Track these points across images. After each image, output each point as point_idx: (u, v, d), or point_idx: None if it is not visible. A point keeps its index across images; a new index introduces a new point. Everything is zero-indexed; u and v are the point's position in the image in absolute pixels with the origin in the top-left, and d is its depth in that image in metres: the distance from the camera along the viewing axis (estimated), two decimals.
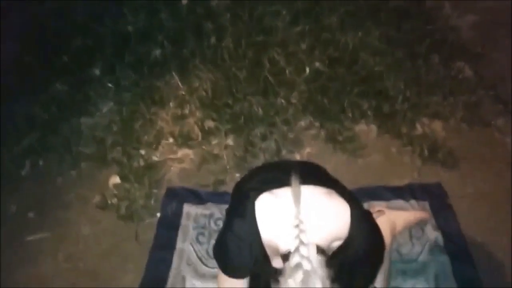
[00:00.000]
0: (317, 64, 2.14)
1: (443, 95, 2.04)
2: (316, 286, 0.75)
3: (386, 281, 1.31)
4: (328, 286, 0.77)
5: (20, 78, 2.23)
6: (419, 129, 1.93)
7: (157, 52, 2.29)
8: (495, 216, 1.59)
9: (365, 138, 1.90)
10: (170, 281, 1.44)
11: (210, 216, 1.63)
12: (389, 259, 1.39)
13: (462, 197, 1.66)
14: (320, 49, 2.21)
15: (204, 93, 2.08)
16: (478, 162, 1.79)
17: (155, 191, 1.75)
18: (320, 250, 0.86)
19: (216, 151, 1.88)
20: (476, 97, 2.02)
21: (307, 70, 2.11)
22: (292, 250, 0.83)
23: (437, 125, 1.95)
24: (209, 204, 1.67)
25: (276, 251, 0.91)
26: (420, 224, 1.54)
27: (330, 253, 0.92)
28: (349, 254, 0.93)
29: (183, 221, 1.63)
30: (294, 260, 0.80)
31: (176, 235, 1.57)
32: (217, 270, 1.02)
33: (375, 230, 1.02)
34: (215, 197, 1.70)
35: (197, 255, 1.51)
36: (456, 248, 1.48)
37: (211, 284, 1.41)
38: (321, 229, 0.90)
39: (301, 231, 0.85)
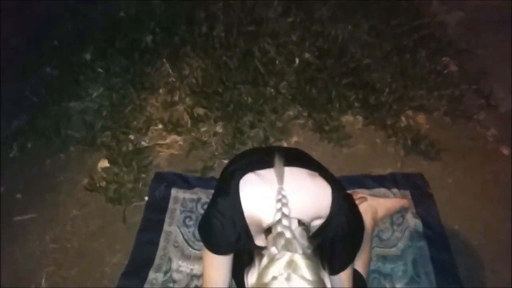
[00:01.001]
0: (306, 55, 2.17)
1: (428, 89, 2.09)
2: (297, 252, 0.78)
3: (366, 265, 1.36)
4: (309, 253, 0.81)
5: (10, 61, 2.22)
6: (403, 121, 1.98)
7: (148, 38, 2.30)
8: (473, 205, 1.66)
9: (351, 129, 1.95)
10: (156, 262, 1.47)
11: (198, 200, 1.66)
12: (370, 244, 1.44)
13: (443, 187, 1.72)
14: (310, 40, 2.25)
15: (194, 81, 2.10)
16: (459, 154, 1.85)
17: (143, 175, 1.77)
18: (302, 224, 0.90)
19: (205, 138, 1.91)
20: (460, 91, 2.08)
21: (297, 60, 2.14)
22: (274, 222, 0.86)
23: (421, 118, 2.00)
24: (197, 189, 1.70)
25: (260, 227, 0.94)
26: (401, 212, 1.59)
27: (311, 232, 0.95)
28: (329, 233, 0.97)
29: (171, 204, 1.65)
30: (276, 230, 0.84)
31: (163, 218, 1.60)
32: (202, 248, 1.05)
33: (355, 211, 1.05)
34: (203, 182, 1.72)
35: (183, 237, 1.54)
36: (434, 234, 1.53)
37: (196, 266, 1.45)
38: (303, 205, 0.93)
39: (283, 204, 0.88)
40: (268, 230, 0.90)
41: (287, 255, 0.78)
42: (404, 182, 1.71)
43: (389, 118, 1.97)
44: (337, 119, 1.97)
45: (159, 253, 1.49)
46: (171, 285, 1.41)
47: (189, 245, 1.52)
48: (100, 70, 2.17)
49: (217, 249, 1.02)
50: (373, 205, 1.52)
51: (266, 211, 0.91)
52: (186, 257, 1.48)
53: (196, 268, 1.44)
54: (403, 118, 1.99)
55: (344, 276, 1.04)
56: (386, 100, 2.02)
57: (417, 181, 1.72)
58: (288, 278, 0.76)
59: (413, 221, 1.56)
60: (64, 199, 1.71)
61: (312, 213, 0.95)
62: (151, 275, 1.43)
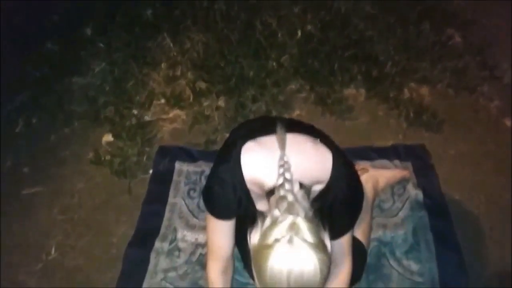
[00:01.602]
0: (309, 27, 2.16)
1: (432, 61, 2.08)
2: (299, 216, 0.80)
3: (367, 234, 1.38)
4: (310, 216, 0.82)
5: (10, 36, 2.21)
6: (406, 93, 1.98)
7: (149, 12, 2.28)
8: (474, 176, 1.67)
9: (353, 101, 1.95)
10: (162, 232, 1.50)
11: (201, 173, 1.68)
12: (370, 214, 1.47)
13: (444, 158, 1.73)
14: (312, 12, 2.22)
15: (195, 55, 2.10)
16: (462, 126, 1.85)
17: (147, 149, 1.79)
18: (303, 187, 0.92)
19: (207, 112, 1.92)
20: (464, 63, 2.06)
21: (299, 33, 2.13)
22: (277, 186, 0.88)
23: (424, 90, 2.00)
24: (201, 162, 1.72)
25: (261, 190, 0.96)
26: (402, 182, 1.61)
27: (311, 197, 0.97)
28: (329, 198, 0.98)
29: (175, 177, 1.68)
30: (278, 193, 0.86)
31: (168, 190, 1.63)
32: (205, 213, 1.07)
33: (355, 177, 1.07)
34: (206, 155, 1.74)
35: (188, 208, 1.57)
36: (435, 204, 1.55)
37: (201, 235, 1.48)
38: (304, 169, 0.94)
39: (286, 169, 0.89)
40: (269, 193, 0.91)
41: (290, 218, 0.80)
42: (406, 153, 1.72)
43: (391, 91, 1.97)
44: (339, 92, 1.96)
45: (164, 223, 1.53)
46: (176, 253, 1.45)
47: (193, 215, 1.55)
48: (101, 45, 2.17)
49: (219, 214, 1.04)
50: (374, 176, 1.53)
51: (267, 174, 0.93)
52: (191, 227, 1.52)
53: (201, 237, 1.48)
54: (405, 91, 1.98)
55: (344, 241, 1.07)
56: (389, 72, 2.01)
57: (418, 153, 1.73)
58: (290, 241, 0.78)
59: (414, 192, 1.58)
60: (70, 173, 1.74)
61: (313, 177, 0.96)
62: (157, 244, 1.46)
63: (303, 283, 0.78)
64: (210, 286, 1.14)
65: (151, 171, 1.71)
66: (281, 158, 0.92)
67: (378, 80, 1.99)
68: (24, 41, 2.18)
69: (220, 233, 1.07)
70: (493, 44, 2.11)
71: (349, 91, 1.99)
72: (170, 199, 1.60)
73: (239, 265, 1.35)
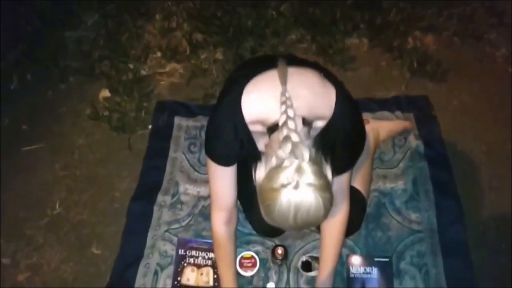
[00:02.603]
0: None
1: (438, 7, 1.99)
2: (304, 160, 0.80)
3: (367, 185, 1.39)
4: (314, 155, 0.82)
5: None
6: (410, 42, 1.91)
7: None
8: (476, 126, 1.65)
9: (355, 51, 1.89)
10: (164, 186, 1.51)
11: (201, 127, 1.67)
12: (371, 164, 1.47)
13: (447, 108, 1.71)
14: None
15: (191, 5, 2.01)
16: (466, 75, 1.81)
17: (145, 104, 1.77)
18: (306, 123, 0.90)
19: (205, 65, 1.87)
20: (471, 9, 1.98)
21: None
22: (280, 124, 0.86)
23: (429, 39, 1.93)
24: (200, 117, 1.70)
25: (263, 127, 0.94)
26: (403, 134, 1.60)
27: (313, 135, 0.95)
28: (331, 134, 0.96)
29: (175, 132, 1.67)
30: (282, 133, 0.84)
31: (168, 144, 1.62)
32: (207, 161, 1.05)
33: (359, 115, 1.05)
34: (206, 110, 1.72)
35: (189, 163, 1.58)
36: (435, 154, 1.55)
37: (203, 188, 1.50)
38: (307, 102, 0.92)
39: (288, 106, 0.87)
40: (271, 129, 0.90)
41: (295, 163, 0.80)
42: (408, 104, 1.69)
43: (395, 40, 1.90)
44: (341, 41, 1.90)
45: (166, 177, 1.54)
46: (179, 206, 1.47)
47: (195, 170, 1.56)
48: None
49: (220, 160, 1.03)
50: (375, 127, 1.52)
51: (269, 111, 0.91)
52: (193, 181, 1.53)
53: (203, 190, 1.49)
54: (410, 39, 1.92)
55: (344, 179, 1.07)
56: (393, 20, 1.94)
57: (421, 104, 1.70)
58: (296, 186, 0.80)
59: (414, 143, 1.57)
60: (69, 129, 1.73)
61: (316, 113, 0.94)
62: (160, 197, 1.48)
63: (308, 220, 0.83)
64: (214, 237, 1.16)
65: (150, 126, 1.70)
66: (283, 93, 0.89)
67: (382, 28, 1.92)
68: None
69: (223, 180, 1.07)
70: None
71: (352, 40, 1.92)
72: (171, 154, 1.60)
73: (241, 216, 1.37)
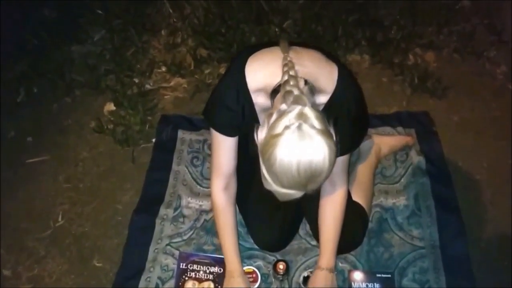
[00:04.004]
0: None
1: (438, 25, 2.02)
2: (306, 109, 0.79)
3: (369, 200, 1.40)
4: (317, 108, 0.83)
5: (7, 3, 2.15)
6: (411, 59, 1.94)
7: None
8: (477, 142, 1.67)
9: (357, 68, 1.91)
10: (166, 199, 1.52)
11: (204, 141, 1.68)
12: (372, 179, 1.48)
13: (448, 125, 1.72)
14: None
15: (196, 21, 2.05)
16: (466, 92, 1.83)
17: (149, 118, 1.79)
18: (308, 84, 0.90)
19: (209, 80, 1.89)
20: (471, 27, 2.01)
21: None
22: (282, 82, 0.87)
23: (430, 56, 1.96)
24: (203, 131, 1.72)
25: (266, 97, 0.95)
26: (405, 149, 1.61)
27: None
28: (333, 110, 0.96)
29: (178, 145, 1.68)
30: (284, 89, 0.85)
31: (171, 158, 1.64)
32: (211, 130, 1.08)
33: (361, 93, 1.06)
34: None
35: (192, 176, 1.59)
36: (437, 170, 1.55)
37: (205, 201, 1.50)
38: (310, 71, 0.92)
39: (290, 67, 0.88)
40: (274, 92, 0.91)
41: (298, 108, 0.80)
42: (409, 120, 1.71)
43: (396, 56, 1.93)
44: (343, 58, 1.93)
45: (169, 190, 1.54)
46: (181, 219, 1.47)
47: (197, 183, 1.57)
48: (99, 11, 2.11)
49: (221, 128, 1.05)
50: (377, 143, 1.53)
51: (272, 76, 0.92)
52: (195, 194, 1.54)
53: (205, 204, 1.50)
54: (411, 56, 1.94)
55: (345, 159, 1.08)
56: (394, 37, 1.97)
57: (422, 119, 1.72)
58: (299, 127, 0.78)
59: (416, 158, 1.58)
60: (74, 142, 1.74)
61: (318, 83, 0.94)
62: (162, 211, 1.49)
63: (312, 171, 0.79)
64: (214, 205, 1.19)
65: (153, 140, 1.71)
66: (285, 58, 0.91)
67: (383, 45, 1.95)
68: (19, 6, 2.12)
69: (223, 149, 1.10)
70: (502, 7, 2.04)
71: (353, 57, 1.95)
72: (174, 167, 1.61)
73: (243, 230, 1.38)
